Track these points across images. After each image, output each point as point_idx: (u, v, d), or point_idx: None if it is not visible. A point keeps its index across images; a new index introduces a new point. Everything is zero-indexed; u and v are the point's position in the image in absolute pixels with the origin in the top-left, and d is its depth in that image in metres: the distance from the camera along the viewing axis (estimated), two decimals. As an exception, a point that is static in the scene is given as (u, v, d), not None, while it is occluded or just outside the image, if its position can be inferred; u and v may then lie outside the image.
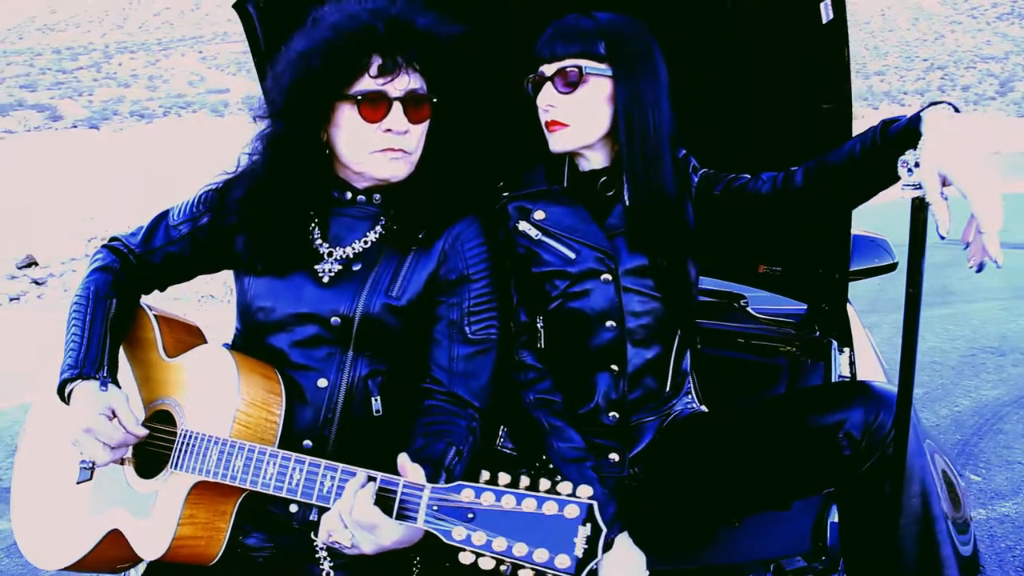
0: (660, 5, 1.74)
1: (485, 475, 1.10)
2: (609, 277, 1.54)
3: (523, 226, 1.59)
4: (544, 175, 1.62)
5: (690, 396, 1.71)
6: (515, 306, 1.63)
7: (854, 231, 2.62)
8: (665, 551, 1.61)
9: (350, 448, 1.46)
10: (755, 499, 1.55)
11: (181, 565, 1.43)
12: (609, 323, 1.55)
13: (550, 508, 1.03)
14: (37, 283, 10.96)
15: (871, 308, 6.84)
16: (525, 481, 1.08)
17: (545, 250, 1.57)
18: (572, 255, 1.55)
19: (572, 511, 1.02)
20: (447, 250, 1.50)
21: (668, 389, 1.63)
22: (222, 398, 1.40)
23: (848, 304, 2.38)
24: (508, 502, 1.06)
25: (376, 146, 1.44)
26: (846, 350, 2.21)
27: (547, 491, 1.06)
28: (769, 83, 1.55)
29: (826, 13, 1.63)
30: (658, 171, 1.51)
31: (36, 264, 12.21)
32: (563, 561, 1.00)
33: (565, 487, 1.05)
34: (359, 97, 1.41)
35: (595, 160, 1.58)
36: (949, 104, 1.27)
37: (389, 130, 1.42)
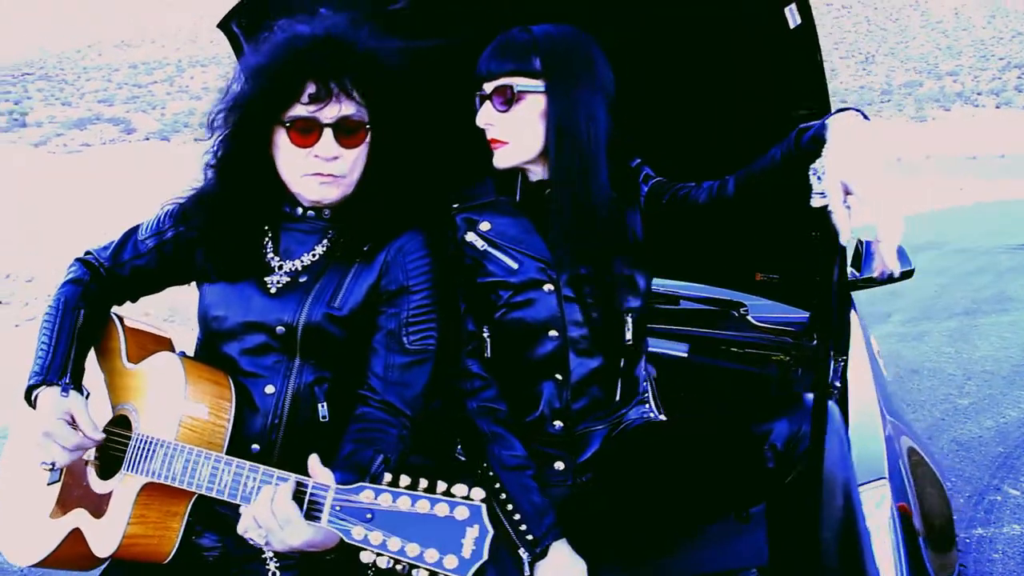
0: (628, 16, 1.74)
1: (387, 477, 1.11)
2: (551, 287, 1.55)
3: (470, 237, 1.60)
4: (493, 187, 1.63)
5: (647, 405, 1.68)
6: (463, 315, 1.63)
7: (868, 238, 2.55)
8: (616, 561, 1.58)
9: (297, 453, 1.46)
10: (697, 510, 1.53)
11: (141, 564, 1.46)
12: (552, 332, 1.55)
13: (441, 510, 1.05)
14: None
15: (923, 316, 6.61)
16: (424, 483, 1.09)
17: (489, 260, 1.58)
18: (515, 265, 1.56)
19: (462, 512, 1.04)
20: (388, 262, 1.52)
21: (618, 398, 1.61)
22: (170, 403, 1.45)
23: (852, 311, 2.30)
24: (404, 503, 1.08)
25: (306, 170, 1.46)
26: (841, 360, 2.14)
27: (442, 493, 1.06)
28: (744, 92, 1.52)
29: (792, 18, 1.61)
30: (587, 184, 1.50)
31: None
32: (451, 562, 1.03)
33: (460, 489, 1.06)
34: (288, 124, 1.44)
35: (540, 173, 1.58)
36: (857, 111, 1.25)
37: (318, 156, 1.44)
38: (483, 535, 1.03)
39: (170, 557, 1.44)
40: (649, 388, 1.70)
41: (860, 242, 2.56)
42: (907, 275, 2.49)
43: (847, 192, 1.15)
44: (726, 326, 2.47)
